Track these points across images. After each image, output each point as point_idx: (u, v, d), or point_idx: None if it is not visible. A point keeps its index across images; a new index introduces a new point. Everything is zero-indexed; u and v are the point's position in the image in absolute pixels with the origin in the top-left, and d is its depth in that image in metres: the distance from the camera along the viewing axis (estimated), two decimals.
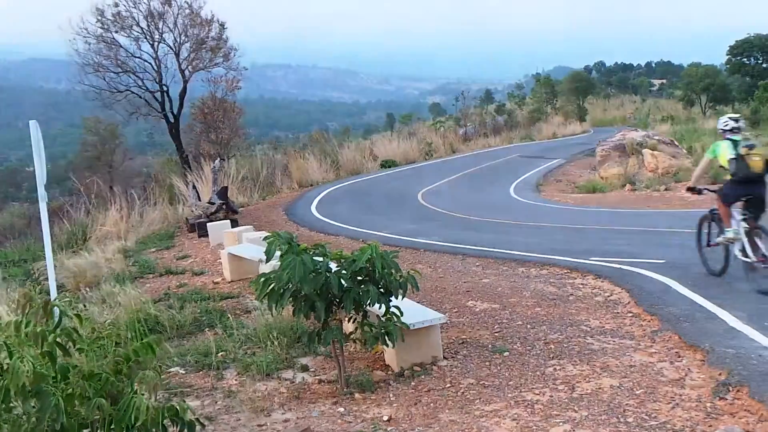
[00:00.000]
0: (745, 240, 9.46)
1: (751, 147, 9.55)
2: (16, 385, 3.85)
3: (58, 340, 4.23)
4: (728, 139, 9.69)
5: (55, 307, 4.48)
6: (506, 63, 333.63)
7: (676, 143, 32.50)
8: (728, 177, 9.72)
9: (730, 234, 9.70)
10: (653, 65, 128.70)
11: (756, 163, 9.35)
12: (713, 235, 10.38)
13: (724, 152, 9.63)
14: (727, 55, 58.41)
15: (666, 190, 23.73)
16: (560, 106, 67.35)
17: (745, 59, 56.72)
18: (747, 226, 9.47)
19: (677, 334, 7.86)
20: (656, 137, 32.22)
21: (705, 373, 6.76)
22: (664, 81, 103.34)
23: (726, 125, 9.85)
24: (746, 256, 9.42)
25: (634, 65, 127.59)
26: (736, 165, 9.41)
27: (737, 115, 10.23)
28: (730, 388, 6.26)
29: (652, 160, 28.27)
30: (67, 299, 6.36)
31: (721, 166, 9.93)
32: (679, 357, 7.27)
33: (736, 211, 9.66)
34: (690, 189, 10.88)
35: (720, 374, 6.60)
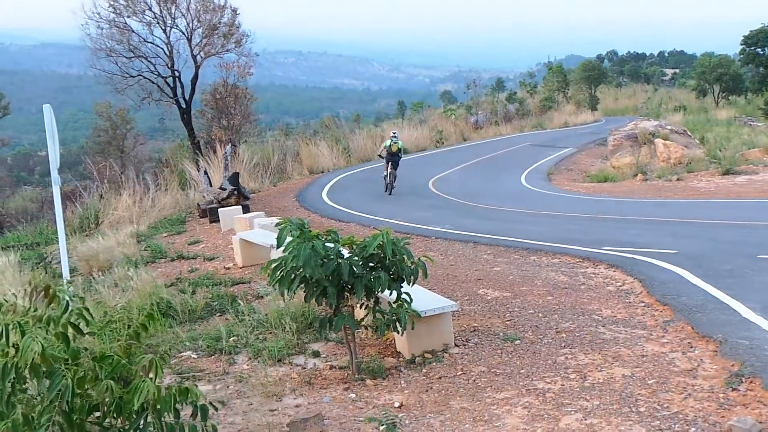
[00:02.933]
0: None
1: None
2: (25, 363, 3.87)
3: (71, 322, 4.24)
4: None
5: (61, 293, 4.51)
6: (518, 51, 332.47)
7: (689, 133, 32.33)
8: None
9: None
10: (666, 55, 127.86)
11: None
12: None
13: None
14: (741, 45, 57.92)
15: (678, 180, 23.62)
16: (572, 95, 67.08)
17: (759, 49, 56.20)
18: None
19: (690, 324, 7.84)
20: (668, 127, 32.08)
21: (718, 363, 6.73)
22: (677, 71, 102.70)
23: None
24: None
25: (647, 54, 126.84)
26: None
27: None
28: (743, 380, 6.23)
29: (664, 150, 28.15)
30: (70, 283, 6.39)
31: None
32: (692, 347, 7.24)
33: None
34: None
35: (733, 365, 6.58)
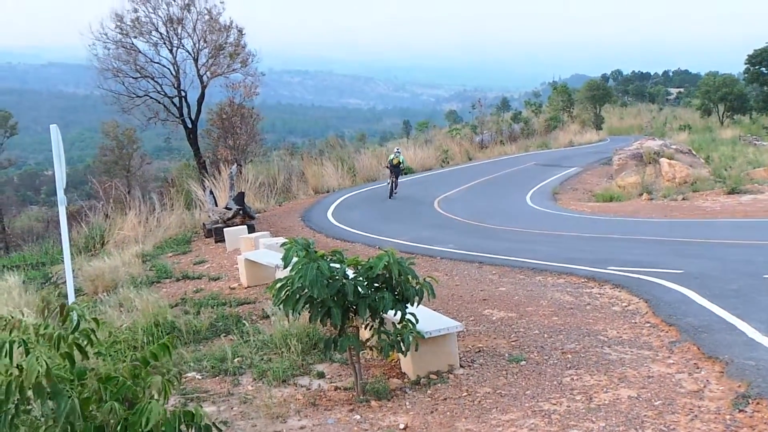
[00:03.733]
0: None
1: None
2: (30, 383, 3.86)
3: (77, 342, 4.25)
4: None
5: (73, 311, 4.51)
6: (523, 71, 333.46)
7: (694, 152, 32.36)
8: None
9: None
10: (670, 74, 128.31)
11: None
12: None
13: None
14: (745, 64, 58.07)
15: (683, 199, 23.59)
16: (577, 115, 67.24)
17: (764, 68, 56.34)
18: None
19: (696, 345, 7.80)
20: (673, 146, 32.10)
21: (724, 384, 6.70)
22: (682, 90, 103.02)
23: None
24: None
25: (651, 74, 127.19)
26: None
27: None
28: (750, 401, 6.19)
29: (669, 169, 28.14)
30: (85, 304, 6.39)
31: None
32: (698, 368, 7.21)
33: None
34: None
35: (739, 386, 6.54)
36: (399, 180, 26.76)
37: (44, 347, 4.11)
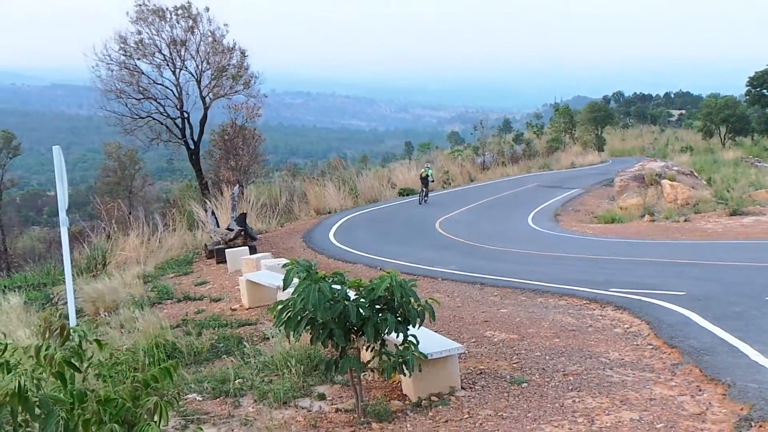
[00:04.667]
0: None
1: None
2: (24, 406, 3.85)
3: (66, 359, 4.23)
4: None
5: (75, 332, 4.50)
6: (524, 92, 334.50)
7: (696, 174, 32.41)
8: None
9: None
10: (672, 96, 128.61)
11: None
12: None
13: None
14: (747, 86, 58.26)
15: (685, 220, 23.58)
16: (578, 136, 67.33)
17: (765, 90, 56.53)
18: None
19: (698, 367, 7.78)
20: (675, 168, 32.16)
21: (726, 407, 6.67)
22: (683, 111, 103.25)
23: None
24: None
25: (653, 95, 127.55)
26: None
27: None
28: (753, 424, 6.16)
29: (671, 190, 28.17)
30: (86, 322, 6.39)
31: None
32: (700, 391, 7.18)
33: None
34: None
35: (742, 409, 6.52)
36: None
37: (30, 366, 4.10)
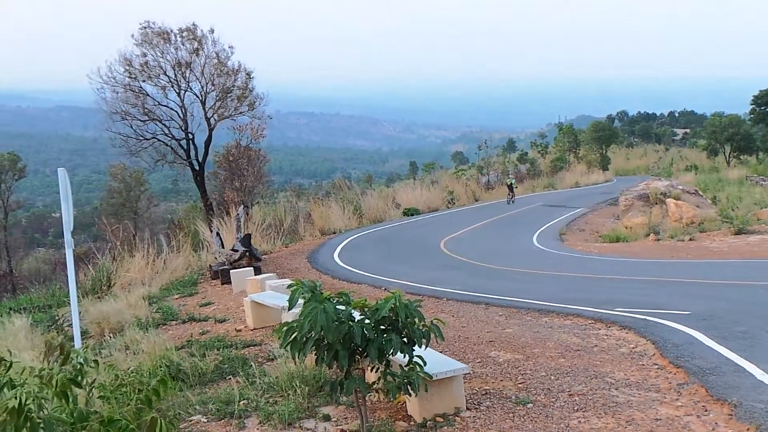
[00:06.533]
0: None
1: None
2: (25, 425, 3.86)
3: (67, 377, 4.24)
4: None
5: (75, 354, 4.52)
6: (528, 112, 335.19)
7: (701, 193, 32.38)
8: None
9: None
10: (676, 115, 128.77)
11: None
12: None
13: None
14: (751, 104, 58.35)
15: (690, 239, 23.56)
16: (583, 155, 67.44)
17: None
18: None
19: (704, 387, 7.75)
20: (680, 187, 32.14)
21: (733, 427, 6.64)
22: (688, 130, 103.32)
23: None
24: None
25: (657, 115, 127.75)
26: None
27: None
28: None
29: (676, 209, 28.15)
30: (90, 344, 6.40)
31: None
32: (706, 411, 7.15)
33: None
34: None
35: (748, 429, 6.49)
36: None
37: (35, 386, 4.11)
